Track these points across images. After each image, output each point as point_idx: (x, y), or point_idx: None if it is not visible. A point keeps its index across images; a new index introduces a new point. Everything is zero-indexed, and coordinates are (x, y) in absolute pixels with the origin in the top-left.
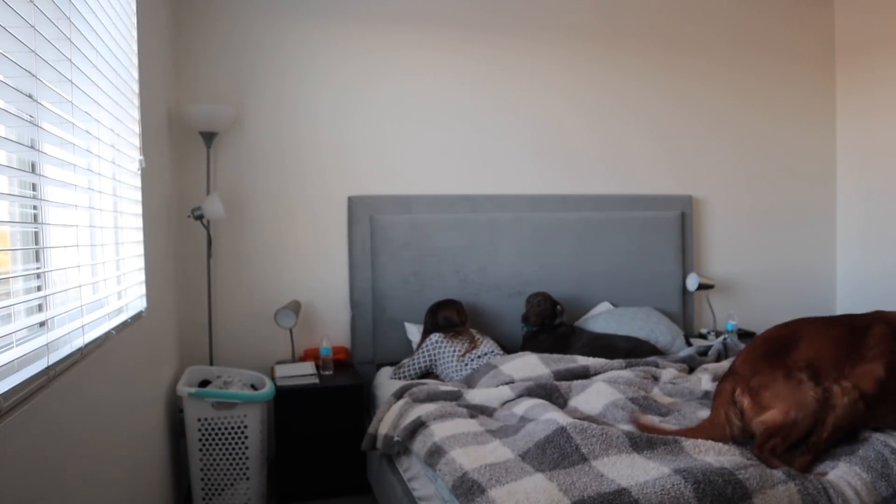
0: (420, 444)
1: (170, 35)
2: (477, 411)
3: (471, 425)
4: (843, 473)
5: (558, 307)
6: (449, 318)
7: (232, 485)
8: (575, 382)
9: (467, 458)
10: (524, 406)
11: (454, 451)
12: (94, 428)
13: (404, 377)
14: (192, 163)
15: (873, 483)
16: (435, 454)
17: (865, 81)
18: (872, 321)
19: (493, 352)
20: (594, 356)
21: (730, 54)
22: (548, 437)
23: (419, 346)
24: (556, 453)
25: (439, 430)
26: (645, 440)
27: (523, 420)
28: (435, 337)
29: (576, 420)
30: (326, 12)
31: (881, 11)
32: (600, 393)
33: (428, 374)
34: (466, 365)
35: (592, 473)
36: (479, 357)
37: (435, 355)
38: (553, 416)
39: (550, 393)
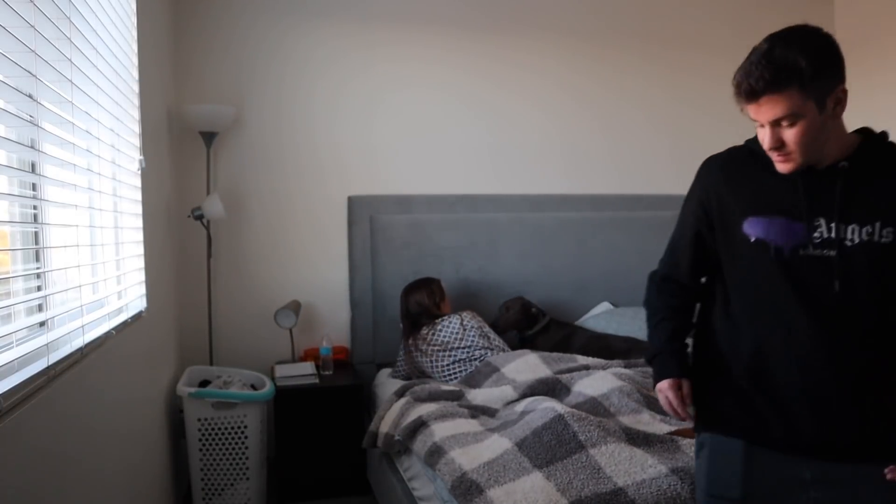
0: (420, 444)
1: (170, 35)
2: (479, 412)
3: (472, 425)
4: None
5: (533, 310)
6: (420, 302)
7: (232, 485)
8: (577, 373)
9: (467, 459)
10: (525, 403)
11: (454, 451)
12: (94, 428)
13: (398, 376)
14: (192, 163)
15: None
16: (435, 454)
17: (865, 80)
18: None
19: (473, 346)
20: (592, 357)
21: (733, 52)
22: (545, 424)
23: (402, 344)
24: (553, 440)
25: (440, 430)
26: (642, 436)
27: (523, 415)
28: (404, 345)
29: (573, 409)
30: (326, 12)
31: (881, 9)
32: (606, 379)
33: (424, 372)
34: (447, 363)
35: (590, 467)
36: (458, 349)
37: (418, 362)
38: (551, 405)
39: (553, 387)
